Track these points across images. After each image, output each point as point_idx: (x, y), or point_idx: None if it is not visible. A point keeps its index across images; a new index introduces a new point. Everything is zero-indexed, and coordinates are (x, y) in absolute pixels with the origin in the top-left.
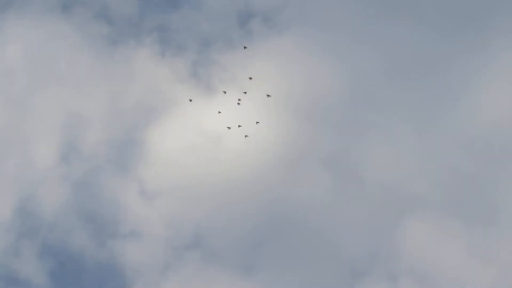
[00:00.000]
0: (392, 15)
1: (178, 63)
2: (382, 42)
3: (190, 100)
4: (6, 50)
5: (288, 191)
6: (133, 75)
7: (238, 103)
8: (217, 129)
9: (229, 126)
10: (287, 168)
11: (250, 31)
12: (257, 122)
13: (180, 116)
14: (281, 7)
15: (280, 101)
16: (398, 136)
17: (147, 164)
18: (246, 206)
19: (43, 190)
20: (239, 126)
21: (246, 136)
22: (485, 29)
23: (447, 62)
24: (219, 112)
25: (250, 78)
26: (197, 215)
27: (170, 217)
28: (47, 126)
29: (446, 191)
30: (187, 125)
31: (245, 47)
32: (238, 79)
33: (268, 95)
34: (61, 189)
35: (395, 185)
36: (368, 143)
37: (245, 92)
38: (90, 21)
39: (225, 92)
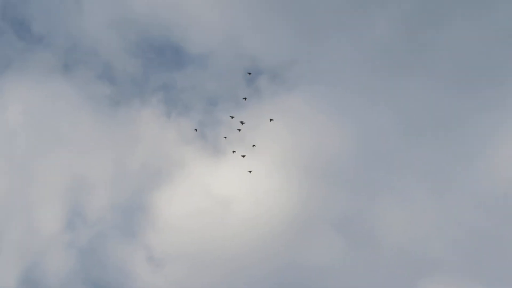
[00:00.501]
0: (405, 71)
1: (184, 123)
2: (395, 98)
3: (233, 151)
4: (6, 113)
5: (299, 255)
6: (138, 136)
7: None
8: (225, 192)
9: (250, 170)
10: (298, 232)
11: (257, 89)
12: (249, 171)
13: (187, 179)
14: (289, 64)
15: (290, 160)
16: (413, 196)
17: (154, 230)
18: (256, 272)
19: (48, 258)
20: (249, 171)
21: (250, 171)
22: (501, 86)
23: (462, 119)
24: (233, 151)
25: (271, 120)
26: (205, 282)
27: (179, 284)
28: (50, 191)
29: (464, 252)
30: (194, 189)
31: (244, 98)
32: (246, 139)
33: (271, 119)
34: (66, 256)
35: (411, 247)
36: (382, 204)
37: (244, 156)
38: (92, 82)
39: (234, 152)
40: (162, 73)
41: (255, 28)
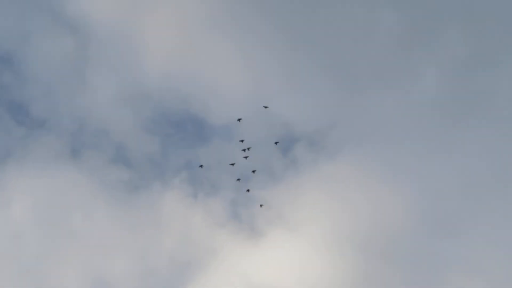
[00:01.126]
0: (461, 120)
1: (214, 204)
2: (453, 152)
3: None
4: (11, 210)
5: None
6: (162, 224)
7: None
8: (266, 279)
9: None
10: None
11: (294, 159)
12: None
13: (222, 268)
14: (328, 127)
15: (339, 236)
16: (485, 266)
17: None
18: None
19: None
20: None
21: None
22: None
23: None
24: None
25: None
26: None
27: None
28: None
29: None
30: (231, 278)
31: (248, 190)
32: (285, 216)
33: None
34: None
35: None
36: (451, 280)
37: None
38: (105, 166)
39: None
40: (184, 149)
41: (285, 91)
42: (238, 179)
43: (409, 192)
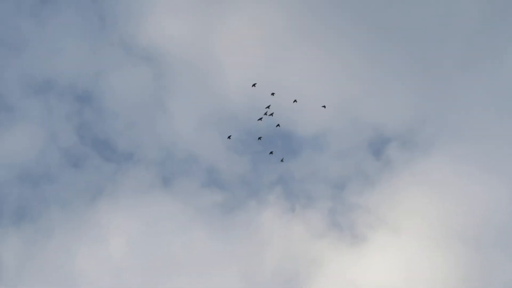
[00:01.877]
0: None
1: (312, 215)
2: None
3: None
4: (109, 246)
5: None
6: (262, 241)
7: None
8: (373, 284)
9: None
10: None
11: (387, 160)
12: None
13: (328, 278)
14: (419, 124)
15: (447, 234)
16: None
17: None
18: None
19: None
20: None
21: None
22: None
23: None
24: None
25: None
26: None
27: None
28: None
29: None
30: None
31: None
32: (386, 218)
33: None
34: None
35: None
36: None
37: None
38: (198, 191)
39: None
40: (275, 164)
41: (370, 93)
42: (271, 152)
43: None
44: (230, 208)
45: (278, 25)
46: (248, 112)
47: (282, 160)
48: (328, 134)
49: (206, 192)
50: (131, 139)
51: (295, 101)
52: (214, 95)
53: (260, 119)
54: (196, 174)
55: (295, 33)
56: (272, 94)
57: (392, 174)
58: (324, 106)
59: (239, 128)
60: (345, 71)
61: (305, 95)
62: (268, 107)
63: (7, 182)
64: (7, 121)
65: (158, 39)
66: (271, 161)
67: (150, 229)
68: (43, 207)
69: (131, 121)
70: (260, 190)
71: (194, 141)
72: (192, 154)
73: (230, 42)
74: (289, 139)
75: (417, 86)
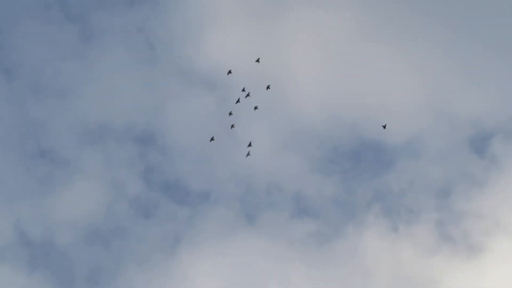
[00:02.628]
0: None
1: (419, 231)
2: None
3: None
4: None
5: None
6: (367, 268)
7: None
8: None
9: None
10: None
11: (493, 157)
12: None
13: None
14: None
15: None
16: None
17: None
18: None
19: None
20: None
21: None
22: None
23: None
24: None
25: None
26: None
27: None
28: None
29: None
30: None
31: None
32: (503, 222)
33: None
34: None
35: None
36: None
37: None
38: (288, 223)
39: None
40: (368, 181)
41: (462, 88)
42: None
43: None
44: (326, 237)
45: (346, 30)
46: (328, 127)
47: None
48: (423, 138)
49: (297, 223)
50: (204, 176)
51: (384, 126)
52: (288, 114)
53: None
54: (282, 205)
55: (364, 36)
56: (384, 126)
57: (500, 171)
58: (384, 126)
59: (322, 146)
60: (427, 69)
61: (390, 100)
62: (249, 145)
63: (75, 244)
64: (64, 176)
65: (219, 60)
66: (363, 177)
67: (241, 272)
68: (119, 266)
69: (201, 157)
70: (356, 211)
71: (274, 168)
72: (274, 183)
73: (298, 53)
74: (379, 150)
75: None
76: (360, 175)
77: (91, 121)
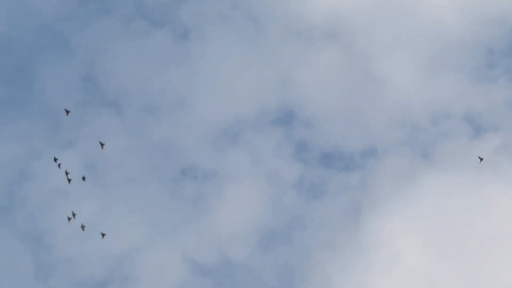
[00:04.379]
0: None
1: None
2: None
3: None
4: None
5: None
6: None
7: None
8: None
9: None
10: None
11: None
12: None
13: None
14: None
15: None
16: None
17: None
18: None
19: None
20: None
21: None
22: None
23: None
24: None
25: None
26: None
27: None
28: None
29: None
30: None
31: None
32: None
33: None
34: None
35: None
36: None
37: None
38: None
39: None
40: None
41: None
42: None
43: None
44: None
45: None
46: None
47: None
48: None
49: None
50: (361, 135)
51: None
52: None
53: None
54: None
55: None
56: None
57: None
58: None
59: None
60: None
61: None
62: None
63: (253, 254)
64: (214, 188)
65: (330, 7)
66: None
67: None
68: (308, 257)
69: (348, 117)
70: None
71: (431, 96)
72: (439, 112)
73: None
74: None
75: None
76: None
77: (219, 120)
